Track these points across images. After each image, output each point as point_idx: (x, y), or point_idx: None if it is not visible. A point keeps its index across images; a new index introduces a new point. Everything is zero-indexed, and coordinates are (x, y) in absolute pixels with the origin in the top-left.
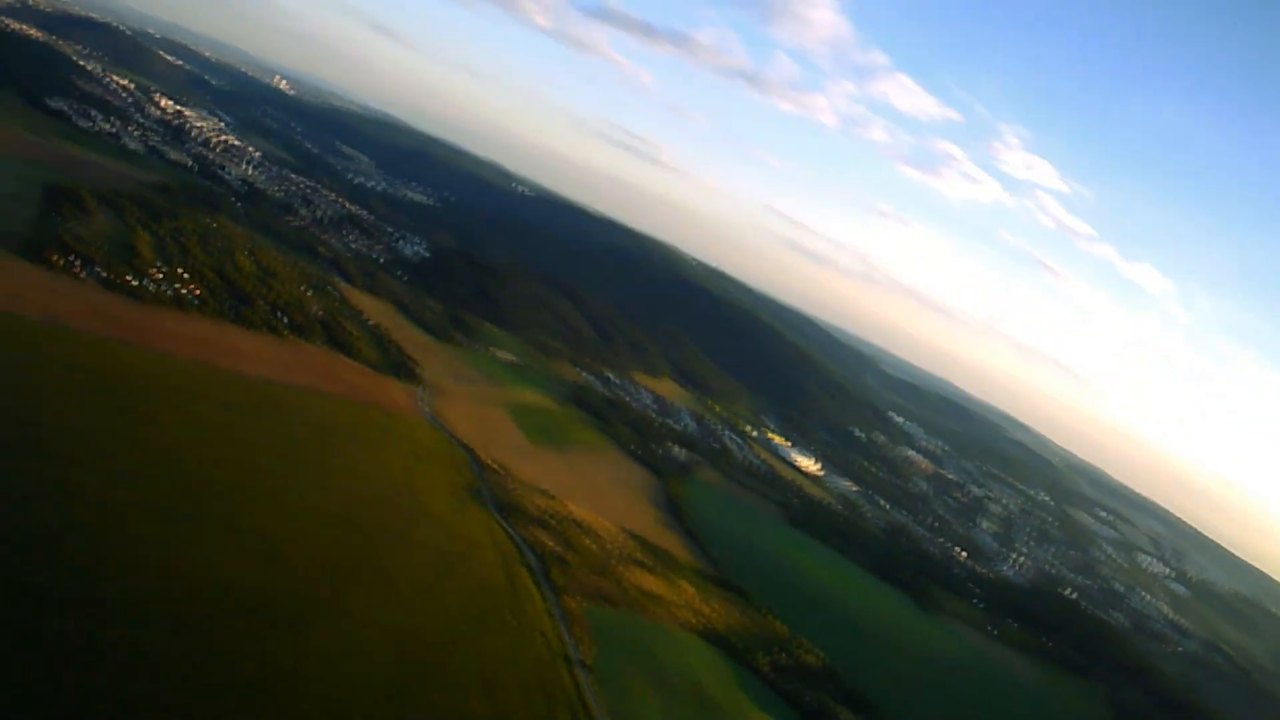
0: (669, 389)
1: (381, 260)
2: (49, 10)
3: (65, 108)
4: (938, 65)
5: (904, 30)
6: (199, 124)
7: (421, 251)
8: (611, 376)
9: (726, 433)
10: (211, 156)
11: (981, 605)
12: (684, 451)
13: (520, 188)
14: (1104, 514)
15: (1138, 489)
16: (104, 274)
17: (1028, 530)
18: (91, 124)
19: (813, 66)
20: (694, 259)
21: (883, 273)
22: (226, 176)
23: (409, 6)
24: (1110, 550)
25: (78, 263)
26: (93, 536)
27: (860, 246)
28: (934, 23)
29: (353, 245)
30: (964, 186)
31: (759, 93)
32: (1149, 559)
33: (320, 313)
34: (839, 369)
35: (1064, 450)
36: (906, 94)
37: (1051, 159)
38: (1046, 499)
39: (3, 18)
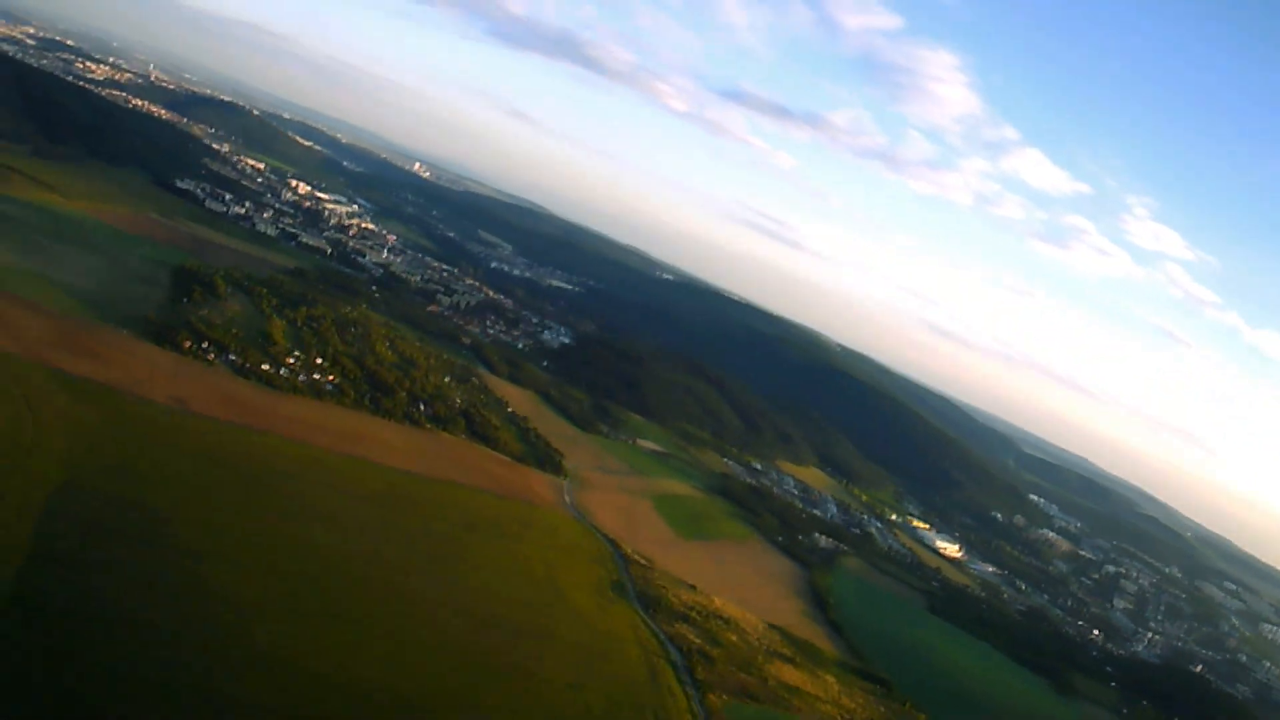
0: (814, 476)
1: (524, 348)
2: (174, 88)
3: (195, 189)
4: (1066, 137)
5: (1033, 104)
6: (335, 209)
7: (565, 339)
8: (757, 465)
9: (870, 519)
10: (348, 242)
11: (1115, 686)
12: (828, 540)
13: (662, 274)
14: (1231, 585)
15: (1264, 558)
16: (237, 360)
17: (1159, 606)
18: (223, 206)
19: (945, 144)
20: (835, 343)
21: (1018, 350)
22: (364, 262)
23: (545, 92)
24: (1236, 621)
25: (209, 348)
26: (218, 631)
27: (996, 324)
28: (1062, 95)
29: (495, 333)
30: (1094, 260)
31: (894, 172)
32: (1272, 628)
33: (462, 403)
34: (979, 451)
35: (1193, 522)
36: (1037, 168)
37: (1178, 227)
38: (1177, 573)
39: (129, 95)
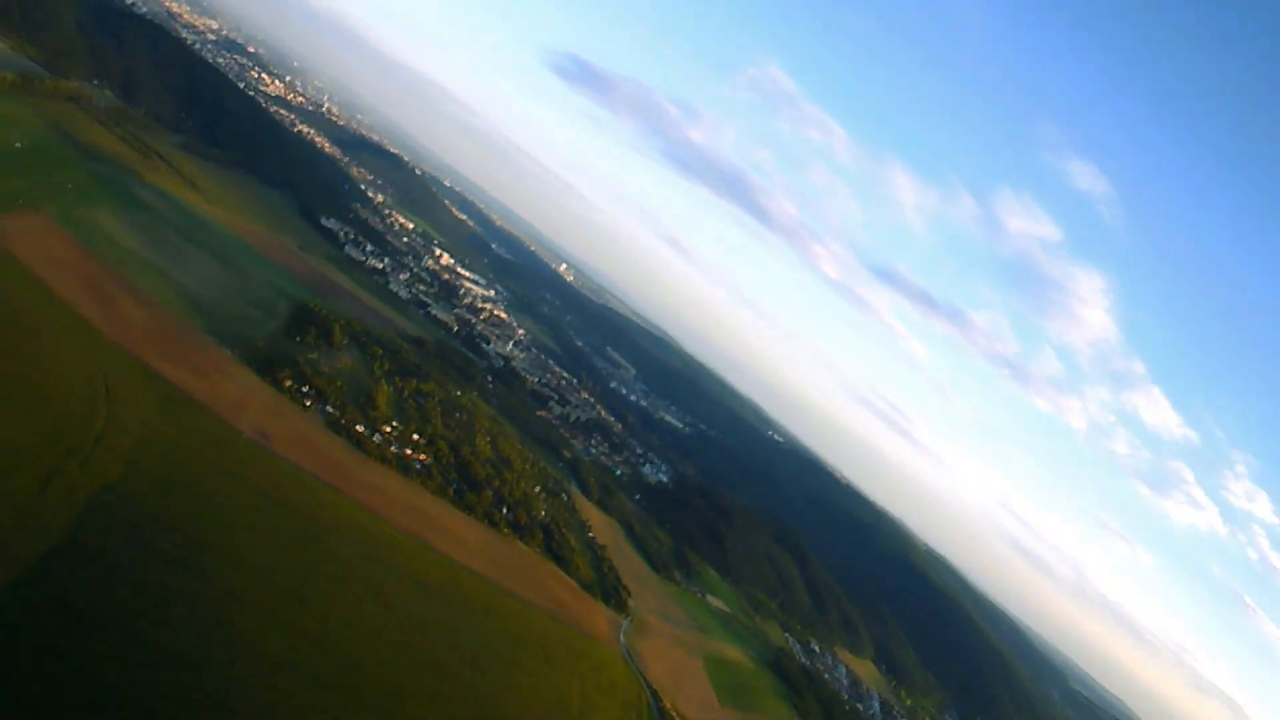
0: (867, 670)
1: (621, 476)
2: (343, 124)
3: (339, 231)
4: (1189, 382)
5: (1167, 342)
6: (472, 288)
7: (663, 477)
8: (815, 646)
9: None
10: (477, 325)
11: None
12: None
13: (774, 434)
14: None
15: None
16: (333, 414)
17: None
18: (362, 255)
19: (1075, 366)
20: (921, 540)
21: (1091, 584)
22: (487, 350)
23: (703, 226)
24: None
25: (309, 393)
26: (228, 677)
27: (1076, 557)
28: (1197, 340)
29: (597, 454)
30: (1188, 512)
31: (1019, 384)
32: None
33: (545, 516)
34: (1030, 678)
35: None
36: (1155, 409)
37: (1271, 491)
38: None
39: (296, 119)
